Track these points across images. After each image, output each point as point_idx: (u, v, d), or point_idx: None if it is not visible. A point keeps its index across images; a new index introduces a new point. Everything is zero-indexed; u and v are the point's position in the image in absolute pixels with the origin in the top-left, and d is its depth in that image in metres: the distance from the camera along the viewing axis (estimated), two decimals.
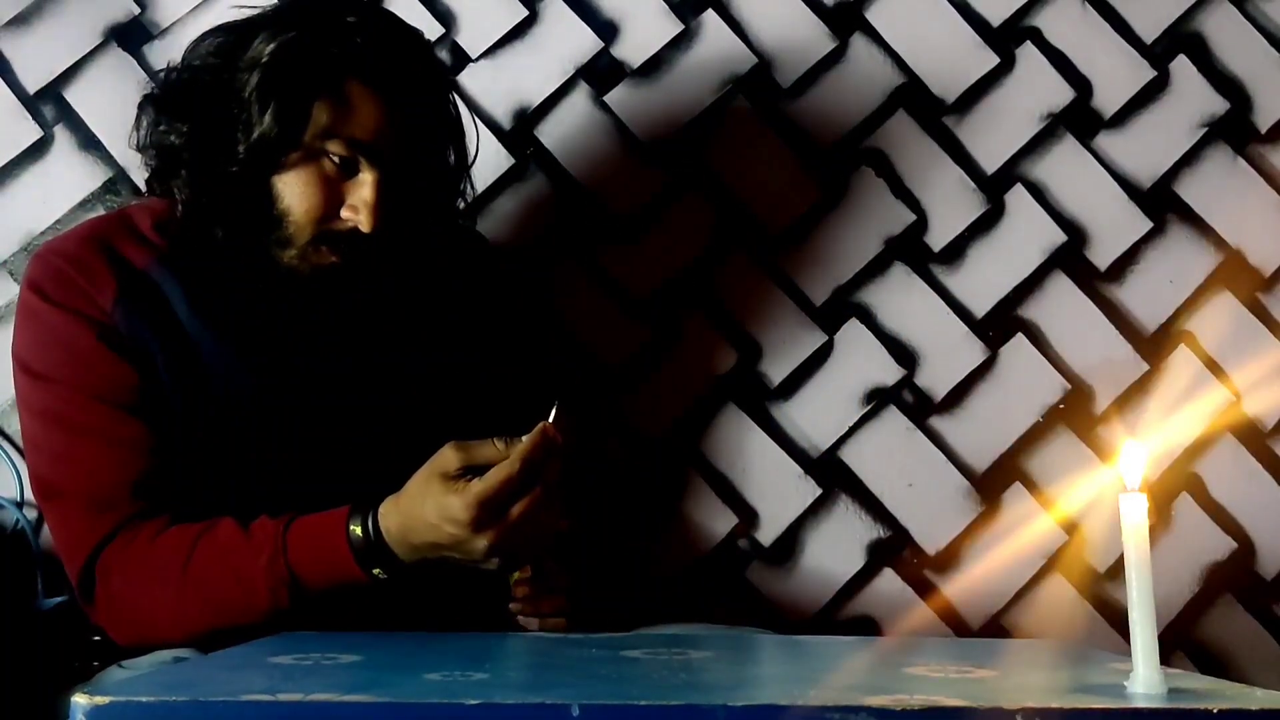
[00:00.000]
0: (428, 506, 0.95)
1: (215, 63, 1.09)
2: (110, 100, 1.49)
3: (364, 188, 1.08)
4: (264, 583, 1.00)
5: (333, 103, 1.07)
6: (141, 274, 1.11)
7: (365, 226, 1.07)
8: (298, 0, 1.13)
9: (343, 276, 1.11)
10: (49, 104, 1.49)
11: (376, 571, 0.99)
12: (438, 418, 1.14)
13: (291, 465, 1.10)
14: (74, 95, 1.49)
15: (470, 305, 1.27)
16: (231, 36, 1.10)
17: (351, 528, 0.99)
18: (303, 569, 1.00)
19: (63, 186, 1.47)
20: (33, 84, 1.49)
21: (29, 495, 1.42)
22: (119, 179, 1.48)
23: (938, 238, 1.52)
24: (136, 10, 1.52)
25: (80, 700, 0.59)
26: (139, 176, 1.47)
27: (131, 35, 1.51)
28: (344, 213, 1.09)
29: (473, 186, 1.27)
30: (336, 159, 1.08)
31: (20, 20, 1.50)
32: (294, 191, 1.08)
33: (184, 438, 1.09)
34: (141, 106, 1.14)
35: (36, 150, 1.48)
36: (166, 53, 1.50)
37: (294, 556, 1.00)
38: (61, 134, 1.48)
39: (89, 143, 1.48)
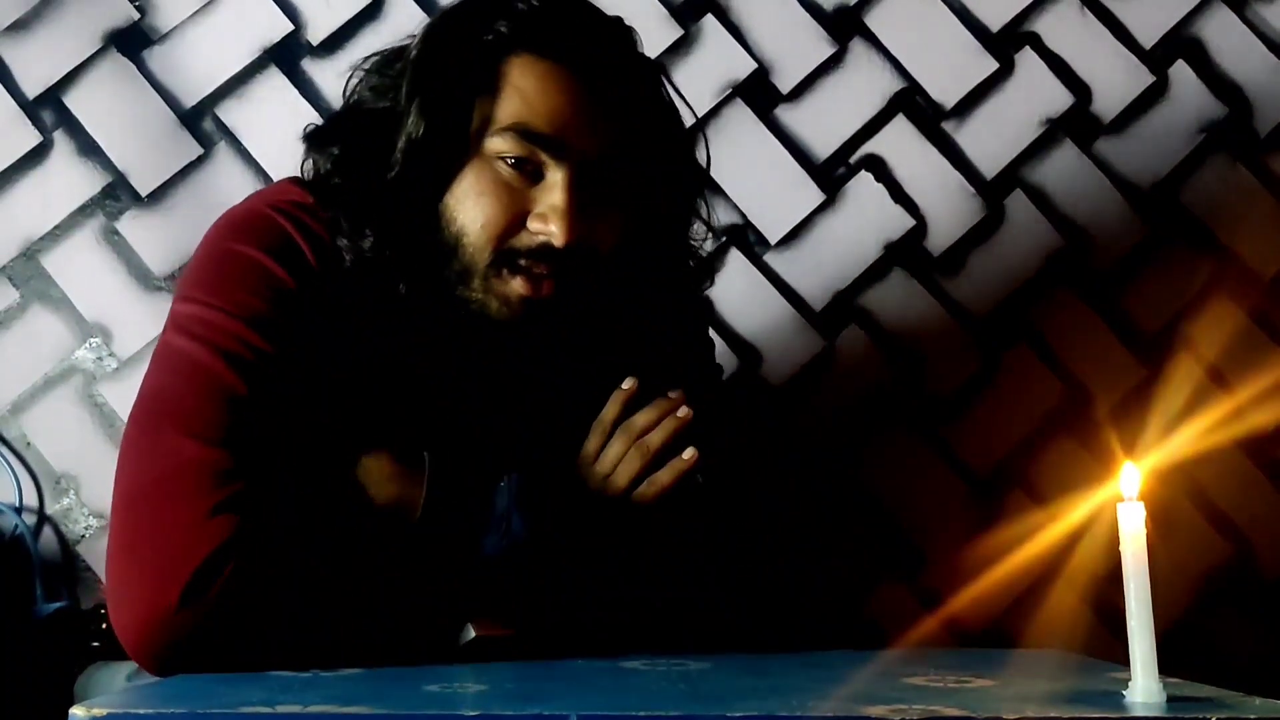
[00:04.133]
0: None
1: (371, 80, 0.94)
2: (110, 106, 1.49)
3: (553, 191, 0.88)
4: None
5: (496, 88, 0.88)
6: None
7: (558, 239, 0.87)
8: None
9: (540, 317, 0.91)
10: (48, 109, 1.49)
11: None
12: None
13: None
14: (73, 101, 1.49)
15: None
16: (391, 50, 0.96)
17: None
18: None
19: (62, 192, 1.48)
20: (32, 89, 1.49)
21: (28, 500, 1.42)
22: (118, 184, 1.48)
23: (937, 243, 1.52)
24: (136, 16, 1.52)
25: (79, 712, 0.59)
26: (138, 182, 1.48)
27: (131, 41, 1.51)
28: (531, 224, 0.88)
29: (709, 216, 1.04)
30: (512, 159, 0.88)
31: (20, 25, 1.51)
32: (466, 207, 0.89)
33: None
34: (306, 147, 0.97)
35: (36, 156, 1.48)
36: (166, 58, 1.51)
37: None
38: (61, 139, 1.49)
39: (88, 148, 1.48)
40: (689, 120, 1.03)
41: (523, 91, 0.88)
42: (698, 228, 1.05)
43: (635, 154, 0.92)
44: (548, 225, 0.88)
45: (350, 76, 0.97)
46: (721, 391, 1.17)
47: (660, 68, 1.00)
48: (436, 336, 0.94)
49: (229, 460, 0.81)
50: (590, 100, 0.89)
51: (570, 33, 0.90)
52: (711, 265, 1.09)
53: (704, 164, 1.03)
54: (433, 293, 0.91)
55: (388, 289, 0.92)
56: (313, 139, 0.96)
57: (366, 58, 0.97)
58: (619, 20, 0.96)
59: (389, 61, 0.96)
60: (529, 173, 0.89)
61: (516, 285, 0.90)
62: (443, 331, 0.94)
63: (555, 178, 0.88)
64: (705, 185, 1.04)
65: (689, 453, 0.92)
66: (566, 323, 0.94)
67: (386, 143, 0.91)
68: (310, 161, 0.96)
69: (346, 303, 0.91)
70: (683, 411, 0.93)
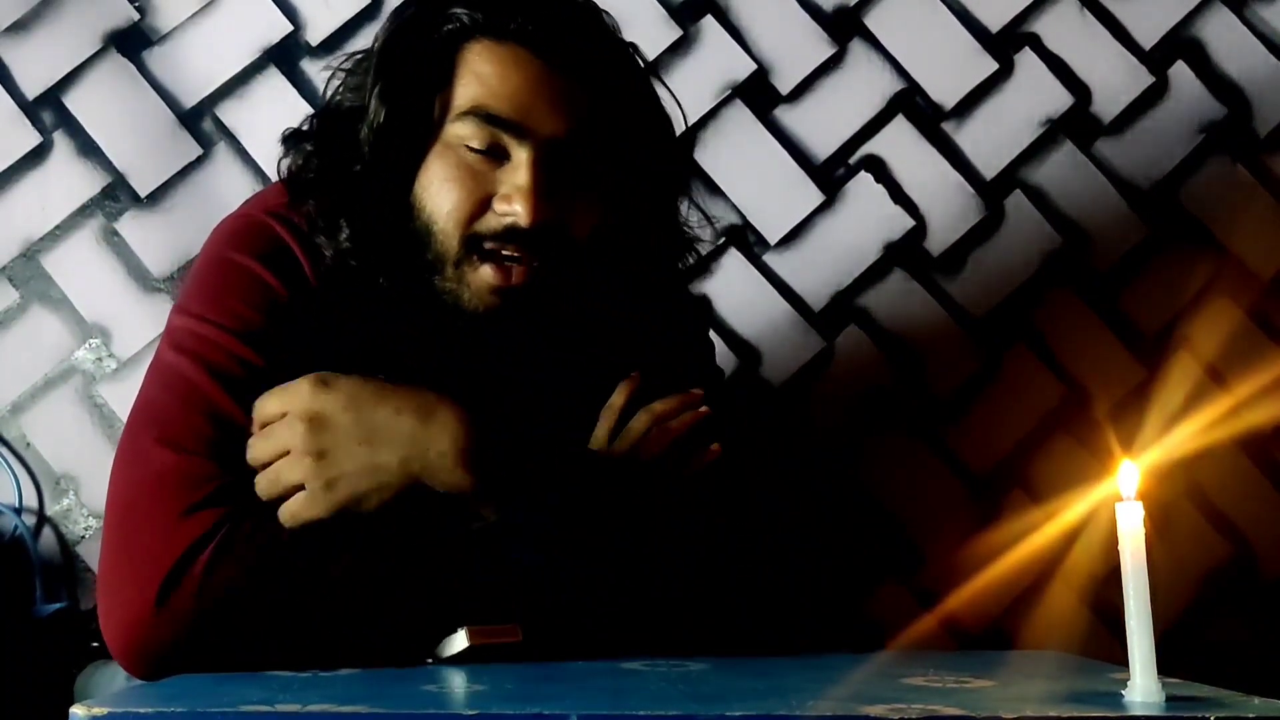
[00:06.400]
0: None
1: (349, 80, 0.94)
2: (109, 106, 1.49)
3: (516, 170, 0.87)
4: None
5: (455, 74, 0.88)
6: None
7: (524, 218, 0.86)
8: None
9: (515, 307, 0.90)
10: (48, 110, 1.49)
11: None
12: None
13: None
14: (73, 101, 1.49)
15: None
16: (367, 50, 0.95)
17: None
18: None
19: (61, 192, 1.48)
20: (32, 90, 1.49)
21: (28, 501, 1.42)
22: (118, 185, 1.48)
23: (937, 243, 1.52)
24: (136, 16, 1.52)
25: (79, 711, 0.59)
26: (138, 182, 1.48)
27: (131, 41, 1.51)
28: (496, 205, 0.88)
29: (699, 203, 1.03)
30: (475, 144, 0.88)
31: (20, 26, 1.51)
32: (432, 194, 0.89)
33: None
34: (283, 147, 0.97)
35: (35, 156, 1.48)
36: (166, 59, 1.51)
37: None
38: (60, 140, 1.49)
39: (88, 149, 1.48)
40: (673, 108, 1.01)
41: (481, 75, 0.88)
42: (690, 214, 1.04)
43: (610, 136, 0.91)
44: (512, 205, 0.87)
45: (330, 76, 0.97)
46: (723, 394, 1.16)
47: (635, 49, 0.98)
48: (421, 332, 0.93)
49: (206, 466, 0.82)
50: (552, 80, 0.87)
51: (529, 16, 0.88)
52: (695, 246, 1.05)
53: (689, 149, 1.03)
54: (412, 286, 0.91)
55: (372, 286, 0.92)
56: (289, 139, 0.96)
57: (349, 56, 0.97)
58: (589, 4, 0.95)
59: (363, 60, 0.95)
60: (494, 156, 0.88)
61: (486, 274, 0.89)
62: (427, 327, 0.93)
63: (519, 158, 0.87)
64: (691, 169, 1.03)
65: (715, 446, 0.93)
66: (547, 314, 0.93)
67: (357, 136, 0.90)
68: (287, 160, 0.96)
69: (337, 305, 0.91)
70: (702, 407, 0.94)
